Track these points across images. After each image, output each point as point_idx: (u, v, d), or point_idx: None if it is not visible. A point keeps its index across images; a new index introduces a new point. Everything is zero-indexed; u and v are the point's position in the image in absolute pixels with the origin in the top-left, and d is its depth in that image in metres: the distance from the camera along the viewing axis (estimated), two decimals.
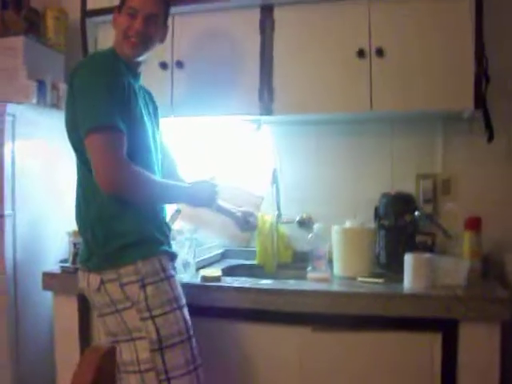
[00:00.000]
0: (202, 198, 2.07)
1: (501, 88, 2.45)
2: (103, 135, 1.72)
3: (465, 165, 2.60)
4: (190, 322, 1.89)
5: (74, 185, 1.95)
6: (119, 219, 1.83)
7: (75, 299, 2.36)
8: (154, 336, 1.78)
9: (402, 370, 2.05)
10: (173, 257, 1.95)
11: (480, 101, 2.26)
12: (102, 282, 1.81)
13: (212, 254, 2.71)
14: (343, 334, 2.09)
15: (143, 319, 1.79)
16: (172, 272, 1.90)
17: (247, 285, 2.18)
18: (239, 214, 2.36)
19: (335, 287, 2.20)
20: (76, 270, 2.28)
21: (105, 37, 2.68)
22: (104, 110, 1.74)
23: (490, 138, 2.42)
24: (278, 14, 2.47)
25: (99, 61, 1.88)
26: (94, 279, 1.83)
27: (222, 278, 2.24)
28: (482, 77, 2.27)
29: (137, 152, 1.84)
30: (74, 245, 2.35)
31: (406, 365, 2.05)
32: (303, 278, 2.31)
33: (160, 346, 1.79)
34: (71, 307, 2.37)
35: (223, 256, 2.83)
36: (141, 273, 1.79)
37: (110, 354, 1.14)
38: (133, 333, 1.80)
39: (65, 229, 2.44)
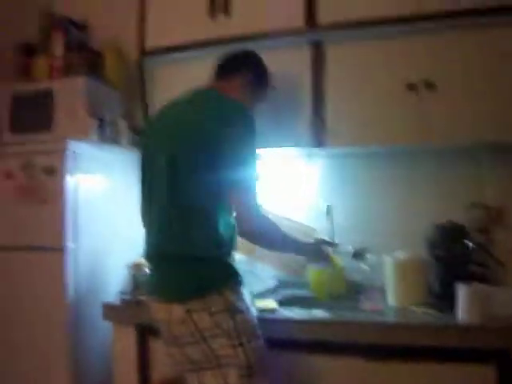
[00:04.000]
0: (317, 258, 2.32)
1: None
2: (255, 190, 1.90)
3: None
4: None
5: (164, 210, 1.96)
6: (221, 254, 1.93)
7: (134, 329, 2.41)
8: (244, 363, 1.84)
9: None
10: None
11: None
12: (189, 312, 1.85)
13: (267, 285, 2.72)
14: (396, 365, 2.09)
15: (233, 346, 1.84)
16: (249, 302, 1.98)
17: (302, 316, 2.21)
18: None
19: (389, 318, 2.22)
20: (136, 301, 2.37)
21: (161, 75, 2.78)
22: (256, 166, 1.91)
23: None
24: (328, 50, 2.52)
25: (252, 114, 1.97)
26: (178, 309, 1.87)
27: (277, 309, 2.28)
28: None
29: None
30: (134, 277, 2.42)
31: None
32: (357, 308, 2.32)
33: (250, 373, 1.85)
34: (130, 337, 2.42)
35: (278, 287, 2.83)
36: (229, 301, 1.86)
37: None
38: (221, 360, 1.85)
39: (124, 261, 2.51)
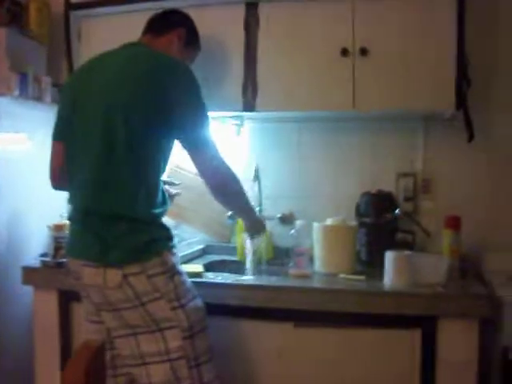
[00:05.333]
0: (258, 224, 2.34)
1: (481, 89, 2.50)
2: (214, 146, 1.95)
3: (445, 164, 2.63)
4: None
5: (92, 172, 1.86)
6: (156, 216, 1.88)
7: (56, 294, 2.35)
8: (185, 324, 1.82)
9: (382, 366, 2.08)
10: None
11: (461, 101, 2.28)
12: (125, 277, 1.77)
13: (193, 250, 2.71)
14: (324, 330, 2.11)
15: (174, 308, 1.82)
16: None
17: (229, 281, 2.19)
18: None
19: (316, 284, 2.23)
20: (57, 264, 2.29)
21: (87, 30, 2.65)
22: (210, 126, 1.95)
23: (470, 137, 2.45)
24: (262, 10, 2.45)
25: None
26: (114, 274, 1.78)
27: (204, 273, 2.25)
28: (462, 78, 2.29)
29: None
30: (55, 239, 2.34)
31: (385, 361, 2.08)
32: (284, 274, 2.32)
33: (191, 334, 1.83)
34: (51, 302, 2.36)
35: (204, 252, 2.83)
36: (168, 264, 1.83)
37: (101, 349, 1.16)
38: (160, 323, 1.81)
39: (46, 223, 2.41)
